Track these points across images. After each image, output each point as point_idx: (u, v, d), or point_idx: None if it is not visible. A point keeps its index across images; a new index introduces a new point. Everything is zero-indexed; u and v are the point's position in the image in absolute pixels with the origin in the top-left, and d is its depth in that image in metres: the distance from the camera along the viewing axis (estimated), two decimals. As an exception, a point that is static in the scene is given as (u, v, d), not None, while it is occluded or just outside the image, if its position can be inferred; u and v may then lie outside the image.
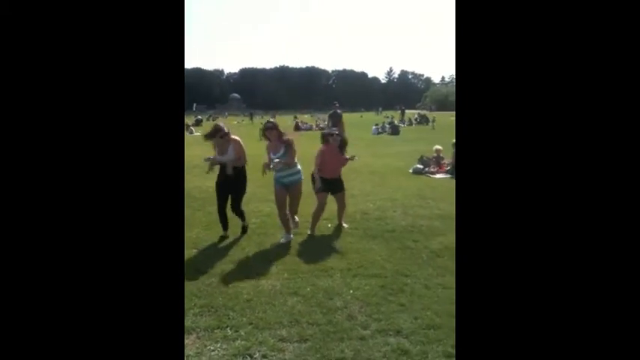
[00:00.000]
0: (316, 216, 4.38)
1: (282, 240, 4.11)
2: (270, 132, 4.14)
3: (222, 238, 4.22)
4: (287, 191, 4.14)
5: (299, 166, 4.18)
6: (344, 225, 4.58)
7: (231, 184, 4.19)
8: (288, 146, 4.05)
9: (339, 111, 11.65)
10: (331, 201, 4.56)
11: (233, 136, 4.21)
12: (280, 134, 4.13)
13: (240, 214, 4.33)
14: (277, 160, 3.97)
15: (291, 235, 4.20)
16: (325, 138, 4.50)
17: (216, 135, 4.12)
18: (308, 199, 4.56)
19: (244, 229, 4.38)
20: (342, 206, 4.60)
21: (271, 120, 4.50)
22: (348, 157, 4.57)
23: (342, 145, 4.50)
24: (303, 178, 4.20)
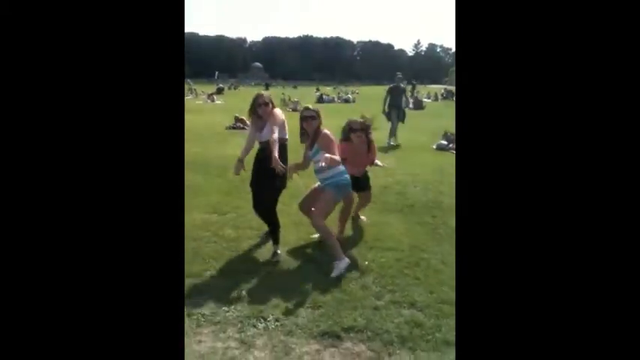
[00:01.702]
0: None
1: (334, 273, 2.81)
2: (310, 123, 3.10)
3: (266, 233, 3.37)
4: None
5: (341, 167, 3.11)
6: (361, 217, 3.91)
7: (267, 173, 2.93)
8: (323, 142, 3.06)
9: (402, 84, 8.68)
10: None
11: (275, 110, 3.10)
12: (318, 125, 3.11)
13: (271, 216, 3.16)
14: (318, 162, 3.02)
15: (346, 260, 2.90)
16: (348, 135, 3.61)
17: (255, 105, 3.09)
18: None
19: (274, 233, 3.18)
20: (365, 202, 3.94)
21: (311, 107, 3.24)
22: (378, 162, 3.91)
23: (370, 144, 3.71)
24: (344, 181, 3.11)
